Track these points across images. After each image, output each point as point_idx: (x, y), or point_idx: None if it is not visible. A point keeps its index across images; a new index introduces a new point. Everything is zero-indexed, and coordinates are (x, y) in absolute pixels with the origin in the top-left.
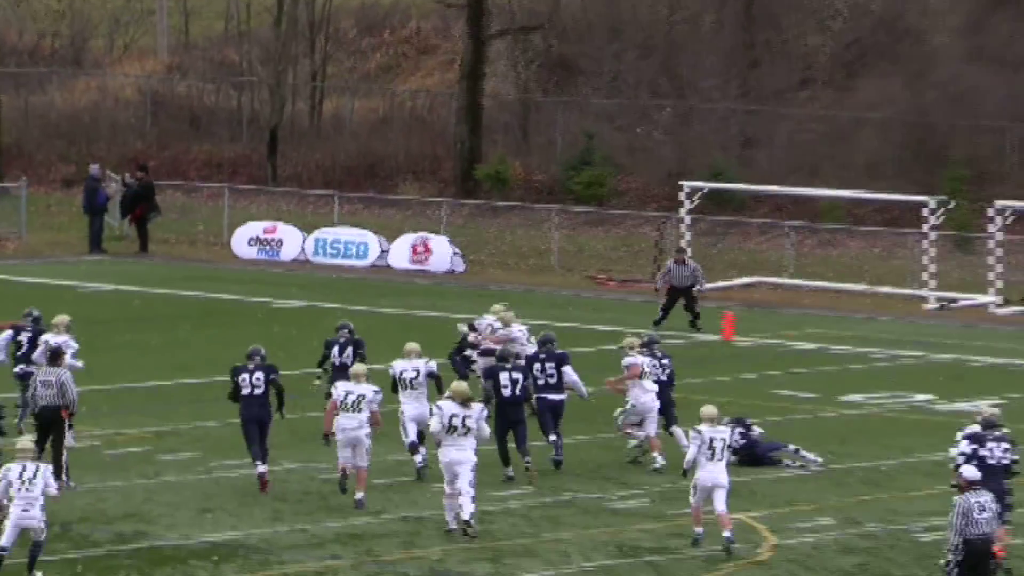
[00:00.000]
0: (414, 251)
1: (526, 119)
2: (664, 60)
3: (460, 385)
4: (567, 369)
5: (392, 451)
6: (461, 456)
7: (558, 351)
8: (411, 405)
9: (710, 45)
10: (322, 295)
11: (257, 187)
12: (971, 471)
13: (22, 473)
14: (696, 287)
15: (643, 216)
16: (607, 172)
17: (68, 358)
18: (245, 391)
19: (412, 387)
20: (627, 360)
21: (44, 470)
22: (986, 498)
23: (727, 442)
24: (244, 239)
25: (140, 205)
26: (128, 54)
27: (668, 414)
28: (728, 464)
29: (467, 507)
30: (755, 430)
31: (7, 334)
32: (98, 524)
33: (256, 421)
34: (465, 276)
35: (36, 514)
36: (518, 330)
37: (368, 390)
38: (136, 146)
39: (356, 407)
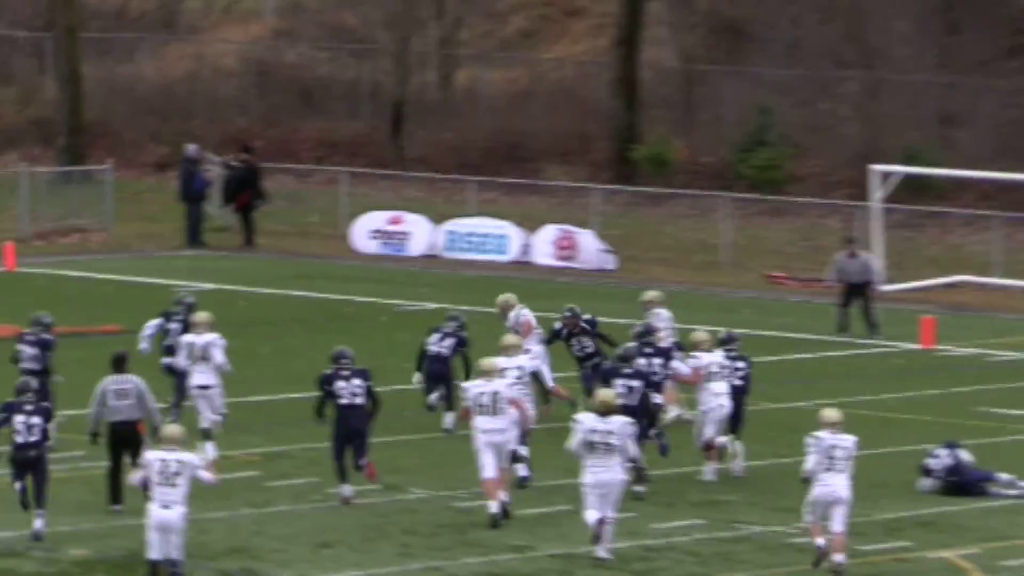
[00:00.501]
0: (558, 246)
1: (690, 92)
2: (849, 25)
3: (605, 393)
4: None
5: (540, 475)
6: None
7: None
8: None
9: (902, 8)
10: (455, 296)
11: (380, 171)
12: None
13: (163, 467)
14: (872, 284)
15: (827, 205)
16: (784, 153)
17: (219, 359)
18: (343, 401)
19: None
20: (691, 362)
21: (191, 463)
22: None
23: (851, 452)
24: (365, 231)
25: (244, 191)
26: (229, 17)
27: (734, 424)
28: (848, 478)
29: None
30: (964, 455)
31: (155, 322)
32: (200, 560)
33: (355, 436)
34: (619, 274)
35: (175, 516)
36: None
37: (502, 384)
38: (239, 123)
39: (494, 408)
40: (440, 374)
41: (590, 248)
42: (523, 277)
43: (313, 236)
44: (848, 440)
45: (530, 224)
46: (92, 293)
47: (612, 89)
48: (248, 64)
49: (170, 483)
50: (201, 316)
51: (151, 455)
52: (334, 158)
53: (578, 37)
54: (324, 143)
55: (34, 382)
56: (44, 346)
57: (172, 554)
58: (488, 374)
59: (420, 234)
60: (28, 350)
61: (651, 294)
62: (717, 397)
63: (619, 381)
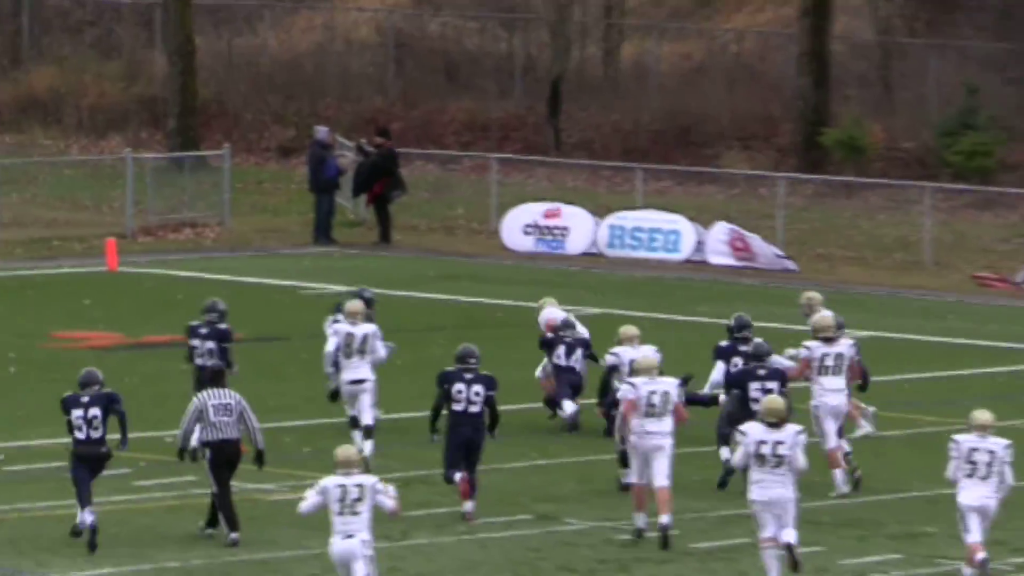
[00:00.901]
0: (732, 246)
1: (888, 68)
2: None
3: (773, 400)
4: None
5: (716, 502)
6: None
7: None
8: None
9: None
10: (620, 300)
11: (534, 157)
12: None
13: (343, 493)
14: None
15: None
16: (994, 138)
17: (381, 352)
18: (458, 407)
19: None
20: (802, 353)
21: (372, 486)
22: None
23: (1001, 456)
24: (518, 226)
25: (380, 180)
26: None
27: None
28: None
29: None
30: None
31: (331, 347)
32: None
33: (471, 448)
34: (805, 274)
35: (357, 544)
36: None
37: (671, 384)
38: (374, 103)
39: (663, 409)
40: (576, 386)
41: (765, 252)
42: (698, 279)
43: (458, 231)
44: (997, 444)
45: (706, 218)
46: (206, 296)
47: (799, 65)
48: (385, 35)
49: (352, 510)
50: (355, 305)
51: (329, 481)
52: (482, 143)
53: (761, 5)
54: (471, 126)
55: (99, 374)
56: (221, 337)
57: None
58: (649, 371)
59: (580, 229)
60: (202, 344)
61: (810, 295)
62: (828, 392)
63: (754, 385)
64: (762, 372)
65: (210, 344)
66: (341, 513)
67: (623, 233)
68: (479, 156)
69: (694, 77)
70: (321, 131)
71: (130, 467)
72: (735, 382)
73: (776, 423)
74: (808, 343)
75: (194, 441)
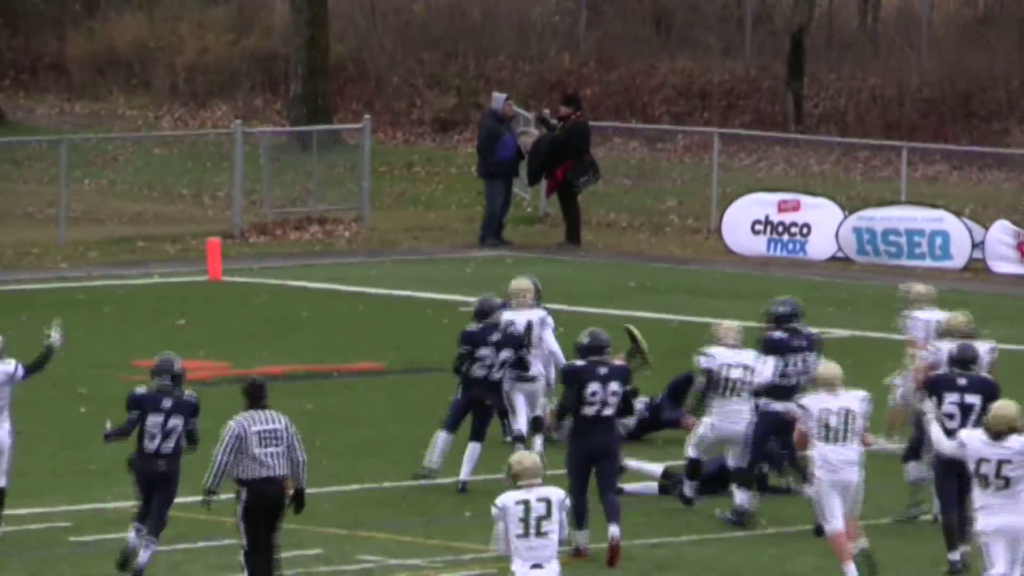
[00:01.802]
0: (1021, 251)
1: None
2: None
3: (1004, 407)
4: None
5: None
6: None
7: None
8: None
9: None
10: (876, 320)
11: (768, 133)
12: None
13: (526, 511)
14: None
15: None
16: None
17: (550, 343)
18: (590, 410)
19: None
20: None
21: (559, 502)
22: None
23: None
24: (745, 222)
25: (565, 162)
26: None
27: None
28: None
29: None
30: None
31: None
32: None
33: (601, 456)
34: None
35: None
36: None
37: (856, 399)
38: (561, 63)
39: (846, 432)
40: None
41: None
42: (976, 291)
43: (669, 229)
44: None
45: (990, 213)
46: (338, 314)
47: None
48: None
49: (539, 531)
50: (521, 283)
51: (507, 498)
52: (701, 114)
53: None
54: (687, 92)
55: (178, 363)
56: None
57: None
58: (831, 386)
59: (826, 227)
60: (494, 355)
61: (917, 288)
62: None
63: (950, 397)
64: (962, 381)
65: (506, 354)
66: (523, 536)
67: (874, 234)
68: (697, 131)
69: (977, 30)
70: (497, 99)
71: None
72: (932, 388)
73: (1002, 434)
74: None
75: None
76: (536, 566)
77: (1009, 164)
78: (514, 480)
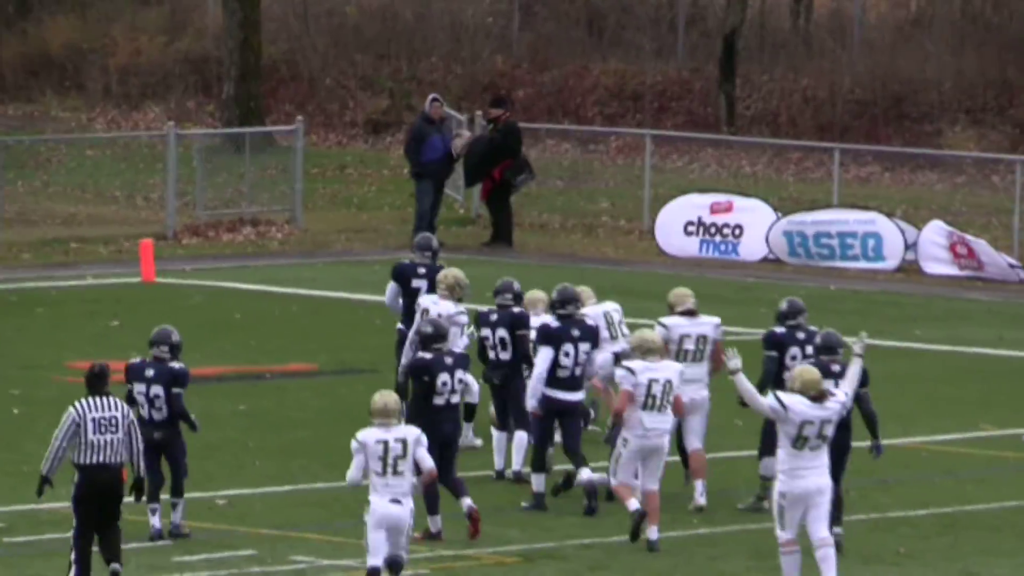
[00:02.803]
0: (954, 251)
1: None
2: None
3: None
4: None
5: None
6: None
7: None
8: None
9: None
10: (810, 319)
11: (701, 135)
12: None
13: (384, 451)
14: None
15: None
16: None
17: (460, 337)
18: (439, 400)
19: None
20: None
21: (416, 440)
22: None
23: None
24: (678, 223)
25: (502, 162)
26: None
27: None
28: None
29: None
30: None
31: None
32: None
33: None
34: None
35: (405, 513)
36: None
37: (674, 371)
38: (494, 65)
39: (663, 402)
40: None
41: (994, 260)
42: (910, 292)
43: (601, 230)
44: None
45: (923, 214)
46: (271, 315)
47: None
48: None
49: (395, 470)
50: (450, 275)
51: (367, 434)
52: (633, 116)
53: None
54: (619, 94)
55: (176, 335)
56: (514, 323)
57: (400, 553)
58: (656, 353)
59: (759, 228)
60: (493, 334)
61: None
62: None
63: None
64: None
65: (502, 332)
66: (381, 473)
67: (804, 237)
68: (629, 133)
69: (909, 32)
70: (429, 100)
71: (169, 539)
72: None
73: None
74: None
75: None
76: (394, 500)
77: (941, 165)
78: (371, 417)
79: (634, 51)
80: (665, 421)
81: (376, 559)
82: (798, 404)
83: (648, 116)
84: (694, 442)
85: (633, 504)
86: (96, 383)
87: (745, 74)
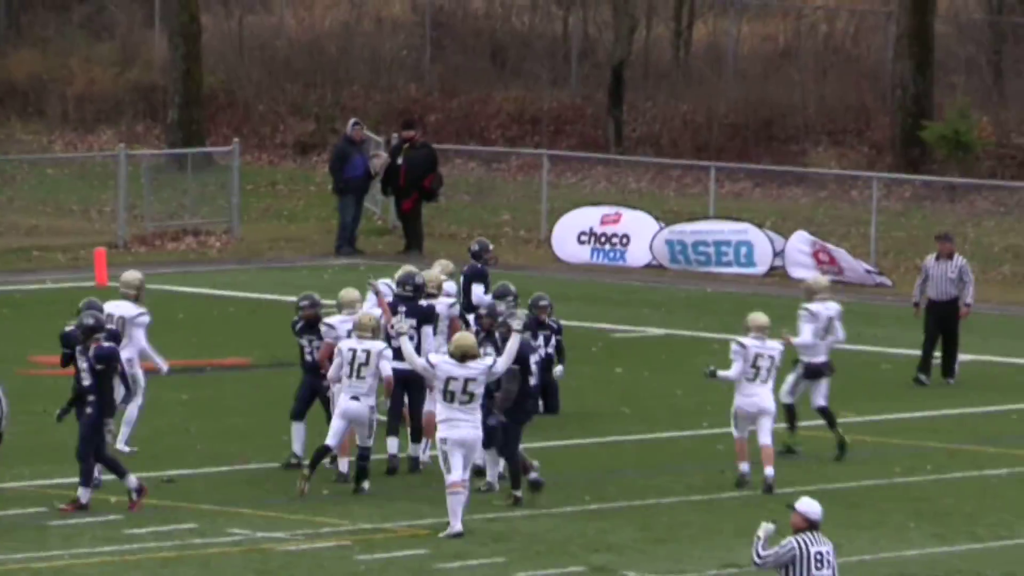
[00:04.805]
0: (817, 258)
1: (1000, 53)
2: None
3: None
4: None
5: None
6: None
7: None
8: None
9: None
10: (687, 320)
11: (592, 154)
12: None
13: (353, 358)
14: (961, 301)
15: None
16: None
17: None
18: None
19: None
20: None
21: (380, 351)
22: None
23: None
24: (571, 233)
25: (430, 175)
26: None
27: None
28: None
29: None
30: None
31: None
32: None
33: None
34: (901, 289)
35: (364, 408)
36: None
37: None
38: (409, 93)
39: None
40: None
41: (853, 266)
42: (778, 295)
43: (504, 239)
44: (775, 349)
45: (789, 225)
46: (211, 315)
47: (898, 48)
48: (421, 13)
49: (359, 375)
50: (351, 294)
51: (344, 344)
52: (532, 138)
53: None
54: (519, 118)
55: (103, 315)
56: (424, 317)
57: (364, 442)
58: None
59: (643, 238)
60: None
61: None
62: None
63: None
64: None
65: (412, 321)
66: (349, 376)
67: (685, 246)
68: (528, 153)
69: (778, 62)
70: (349, 125)
71: (120, 513)
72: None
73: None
74: None
75: None
76: (354, 398)
77: (806, 182)
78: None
79: (533, 80)
80: None
81: (331, 440)
82: (444, 363)
83: (545, 138)
84: None
85: None
86: None
87: (631, 100)
